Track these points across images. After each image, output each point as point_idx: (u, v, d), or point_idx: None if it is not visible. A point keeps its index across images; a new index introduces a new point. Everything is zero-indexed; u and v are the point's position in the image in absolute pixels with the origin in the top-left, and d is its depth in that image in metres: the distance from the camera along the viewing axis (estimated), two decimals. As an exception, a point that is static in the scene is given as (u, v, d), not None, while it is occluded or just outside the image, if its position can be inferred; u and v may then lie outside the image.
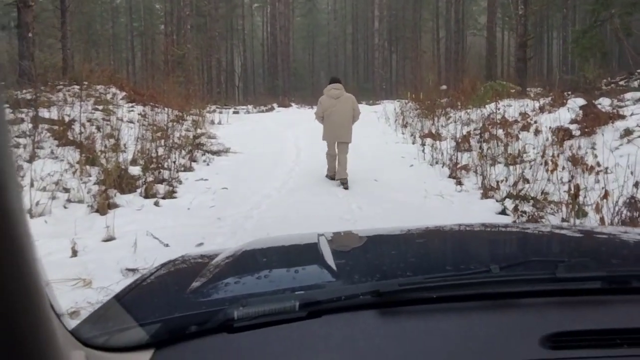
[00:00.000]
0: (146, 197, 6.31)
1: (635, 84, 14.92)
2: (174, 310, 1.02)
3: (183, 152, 8.60)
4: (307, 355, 0.85)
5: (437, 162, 8.55)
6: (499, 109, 9.55)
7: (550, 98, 11.08)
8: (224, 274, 1.27)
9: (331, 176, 7.86)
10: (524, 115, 9.78)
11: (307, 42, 49.74)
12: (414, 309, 0.94)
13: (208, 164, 8.80)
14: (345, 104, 7.62)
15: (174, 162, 7.78)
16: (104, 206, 5.54)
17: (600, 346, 0.82)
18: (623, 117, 8.02)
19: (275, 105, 23.89)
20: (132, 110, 11.48)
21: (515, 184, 6.50)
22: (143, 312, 1.07)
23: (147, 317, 0.97)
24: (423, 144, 9.82)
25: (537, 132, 8.48)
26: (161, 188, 6.67)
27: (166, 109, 13.05)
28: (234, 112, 21.79)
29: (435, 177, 7.82)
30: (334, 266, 1.21)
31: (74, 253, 4.19)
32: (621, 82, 15.73)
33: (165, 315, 0.99)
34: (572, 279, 0.94)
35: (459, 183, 7.29)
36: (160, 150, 8.01)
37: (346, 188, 7.29)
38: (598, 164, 6.45)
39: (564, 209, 5.44)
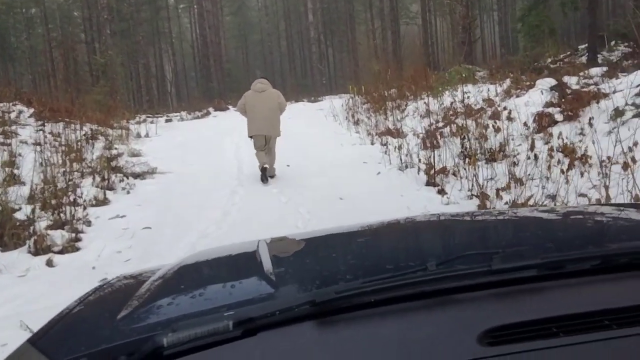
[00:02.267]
0: (36, 252, 4.65)
1: (583, 59, 14.36)
2: (99, 343, 0.96)
3: (97, 178, 6.91)
4: None
5: (406, 166, 7.24)
6: (466, 96, 8.44)
7: (509, 80, 10.13)
8: (157, 295, 1.23)
9: (262, 170, 7.67)
10: (488, 101, 8.73)
11: (239, 41, 47.99)
12: (352, 315, 0.91)
13: (128, 192, 7.07)
14: (270, 98, 7.71)
15: (80, 197, 6.06)
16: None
17: (537, 337, 0.80)
18: (606, 95, 7.07)
19: (211, 109, 22.24)
20: (40, 130, 9.71)
21: (508, 186, 5.36)
22: (64, 350, 0.98)
23: (68, 354, 0.92)
24: (384, 144, 8.58)
25: (509, 119, 7.42)
26: (59, 236, 4.94)
27: (84, 124, 11.33)
28: (167, 121, 20.01)
29: (410, 186, 6.46)
30: (272, 276, 1.19)
31: None
32: (566, 60, 15.16)
33: (89, 349, 0.93)
34: (507, 270, 0.93)
35: (442, 192, 6.03)
36: (67, 179, 6.36)
37: (264, 180, 7.46)
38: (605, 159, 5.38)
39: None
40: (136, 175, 7.78)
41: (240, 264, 1.51)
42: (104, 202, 6.48)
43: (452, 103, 8.79)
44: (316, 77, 31.72)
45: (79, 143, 7.70)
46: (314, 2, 30.90)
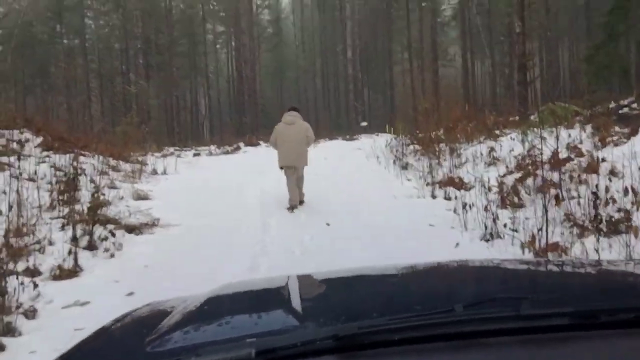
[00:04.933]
0: None
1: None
2: None
3: (76, 232, 5.06)
4: None
5: (492, 234, 5.35)
6: (541, 142, 6.85)
7: (590, 126, 8.56)
8: (185, 322, 1.24)
9: (293, 205, 7.75)
10: (574, 149, 7.16)
11: (275, 78, 47.57)
12: (375, 352, 0.91)
13: (112, 255, 5.22)
14: (299, 130, 7.85)
15: (33, 266, 4.29)
16: None
17: None
18: None
19: (242, 144, 21.19)
20: (43, 162, 8.52)
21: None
22: None
23: None
24: (448, 198, 7.01)
25: (613, 174, 5.83)
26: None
27: (98, 156, 10.15)
28: (195, 155, 18.96)
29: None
30: (299, 309, 1.21)
31: None
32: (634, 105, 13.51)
33: None
34: (537, 316, 0.93)
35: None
36: (32, 231, 4.85)
37: (292, 211, 7.46)
38: None
39: None
40: (130, 229, 5.95)
41: (268, 297, 1.49)
42: (72, 272, 4.60)
43: (529, 150, 7.22)
44: (351, 116, 30.55)
45: (75, 179, 6.25)
46: (353, 39, 29.98)
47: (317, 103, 44.07)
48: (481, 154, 8.60)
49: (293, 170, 7.76)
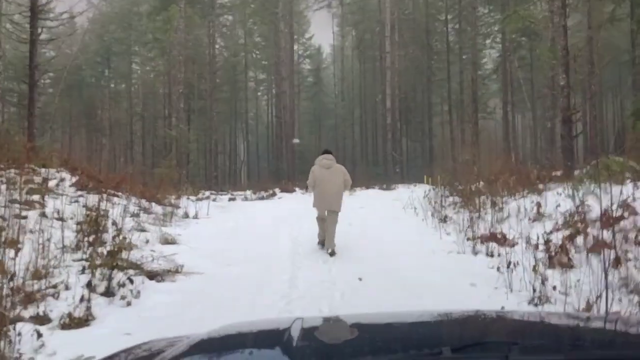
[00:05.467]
0: None
1: None
2: None
3: (98, 275, 4.76)
4: None
5: (540, 298, 4.80)
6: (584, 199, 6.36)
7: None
8: (179, 357, 1.26)
9: (321, 241, 7.94)
10: (627, 207, 6.62)
11: (313, 125, 48.05)
12: None
13: (129, 303, 4.80)
14: (337, 174, 7.88)
15: (44, 313, 3.95)
16: None
17: None
18: None
19: (277, 190, 21.10)
20: (75, 201, 8.48)
21: None
22: None
23: None
24: (490, 254, 6.55)
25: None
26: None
27: (130, 198, 10.09)
28: (230, 199, 18.93)
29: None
30: (292, 350, 1.21)
31: None
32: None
33: None
34: None
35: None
36: (46, 275, 4.60)
37: (332, 255, 7.37)
38: None
39: None
40: (152, 275, 5.57)
41: (267, 339, 1.50)
42: (83, 321, 4.18)
43: (578, 206, 6.71)
44: (388, 165, 30.20)
45: (97, 221, 6.04)
46: (392, 89, 30.04)
47: (354, 151, 44.08)
48: (525, 209, 8.11)
49: (332, 214, 7.72)
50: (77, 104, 40.13)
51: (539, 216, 7.43)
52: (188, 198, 15.05)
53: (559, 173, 15.38)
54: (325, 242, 7.68)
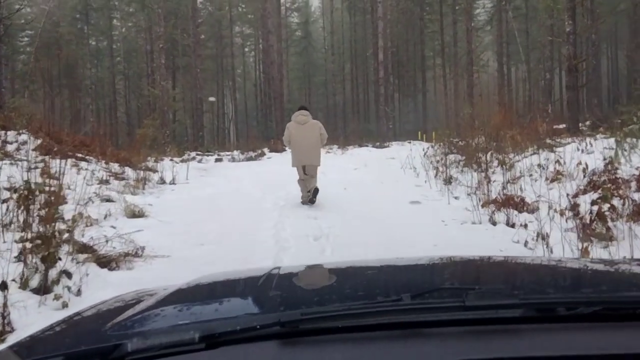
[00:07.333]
0: None
1: None
2: (78, 345, 1.03)
3: (29, 266, 3.64)
4: None
5: None
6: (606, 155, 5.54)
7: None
8: (149, 309, 1.25)
9: (305, 201, 7.98)
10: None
11: (303, 82, 46.65)
12: (316, 339, 0.91)
13: (65, 305, 3.61)
14: (312, 129, 7.98)
15: None
16: None
17: None
18: None
19: (266, 150, 20.16)
20: (35, 168, 7.53)
21: None
22: (39, 351, 1.07)
23: (57, 349, 1.00)
24: (511, 224, 5.62)
25: None
26: None
27: (102, 162, 9.17)
28: (217, 160, 18.03)
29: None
30: (263, 298, 1.22)
31: None
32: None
33: (66, 351, 0.99)
34: (482, 307, 0.91)
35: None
36: None
37: (313, 201, 7.72)
38: None
39: None
40: (105, 262, 4.48)
41: (240, 287, 1.51)
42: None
43: (607, 164, 5.89)
44: (381, 121, 29.17)
45: (30, 193, 4.87)
46: (385, 41, 28.72)
47: (345, 108, 42.91)
48: (540, 167, 7.27)
49: (311, 169, 7.91)
50: (57, 63, 38.35)
51: (557, 176, 6.61)
52: (172, 160, 14.12)
53: (561, 127, 14.53)
54: (302, 193, 7.91)
